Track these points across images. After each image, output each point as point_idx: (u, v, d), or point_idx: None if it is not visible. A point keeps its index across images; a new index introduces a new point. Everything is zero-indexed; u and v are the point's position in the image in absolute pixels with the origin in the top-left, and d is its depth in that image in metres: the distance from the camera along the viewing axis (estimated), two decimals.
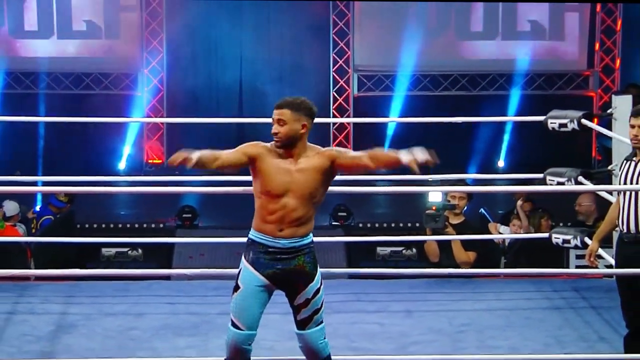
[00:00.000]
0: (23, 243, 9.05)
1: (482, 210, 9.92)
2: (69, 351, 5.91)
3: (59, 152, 13.58)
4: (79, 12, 14.06)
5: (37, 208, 11.20)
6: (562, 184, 7.15)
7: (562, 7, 14.37)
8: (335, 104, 13.99)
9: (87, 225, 10.24)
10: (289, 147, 4.82)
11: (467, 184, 8.73)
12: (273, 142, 4.84)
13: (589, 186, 7.10)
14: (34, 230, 10.32)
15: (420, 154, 4.76)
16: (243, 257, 4.92)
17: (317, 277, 4.91)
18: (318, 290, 4.91)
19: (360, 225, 10.54)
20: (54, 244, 8.48)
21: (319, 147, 4.92)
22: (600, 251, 6.10)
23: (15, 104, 13.58)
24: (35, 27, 14.06)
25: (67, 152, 13.47)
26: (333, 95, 14.00)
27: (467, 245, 7.67)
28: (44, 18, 14.02)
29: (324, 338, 4.96)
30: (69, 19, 14.05)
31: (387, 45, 14.17)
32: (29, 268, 8.79)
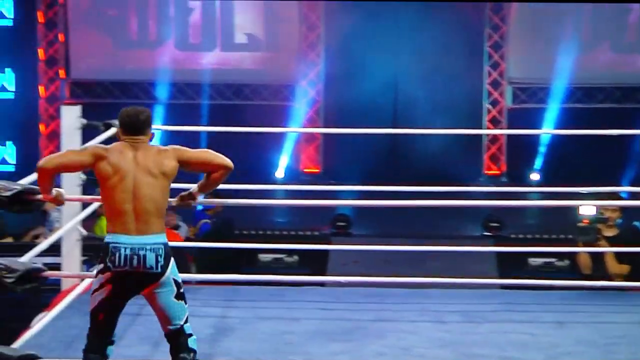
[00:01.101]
0: (184, 247, 9.31)
1: (636, 223, 9.77)
2: (228, 354, 5.98)
3: None
4: (241, 25, 14.35)
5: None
6: None
7: None
8: (490, 116, 13.94)
9: (245, 232, 10.47)
10: None
11: (620, 197, 8.61)
12: None
13: None
14: (191, 235, 10.64)
15: None
16: None
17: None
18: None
19: (512, 236, 10.46)
20: (214, 249, 8.72)
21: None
22: None
23: (179, 113, 13.92)
24: (199, 40, 14.43)
25: None
26: (487, 107, 13.96)
27: (621, 258, 7.62)
28: (208, 31, 14.34)
29: None
30: (231, 32, 14.36)
31: (542, 58, 14.04)
32: (190, 272, 9.03)
